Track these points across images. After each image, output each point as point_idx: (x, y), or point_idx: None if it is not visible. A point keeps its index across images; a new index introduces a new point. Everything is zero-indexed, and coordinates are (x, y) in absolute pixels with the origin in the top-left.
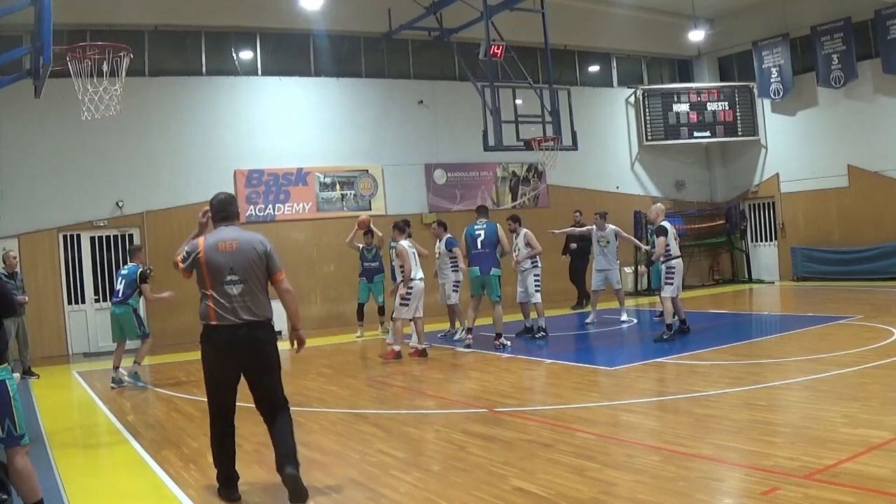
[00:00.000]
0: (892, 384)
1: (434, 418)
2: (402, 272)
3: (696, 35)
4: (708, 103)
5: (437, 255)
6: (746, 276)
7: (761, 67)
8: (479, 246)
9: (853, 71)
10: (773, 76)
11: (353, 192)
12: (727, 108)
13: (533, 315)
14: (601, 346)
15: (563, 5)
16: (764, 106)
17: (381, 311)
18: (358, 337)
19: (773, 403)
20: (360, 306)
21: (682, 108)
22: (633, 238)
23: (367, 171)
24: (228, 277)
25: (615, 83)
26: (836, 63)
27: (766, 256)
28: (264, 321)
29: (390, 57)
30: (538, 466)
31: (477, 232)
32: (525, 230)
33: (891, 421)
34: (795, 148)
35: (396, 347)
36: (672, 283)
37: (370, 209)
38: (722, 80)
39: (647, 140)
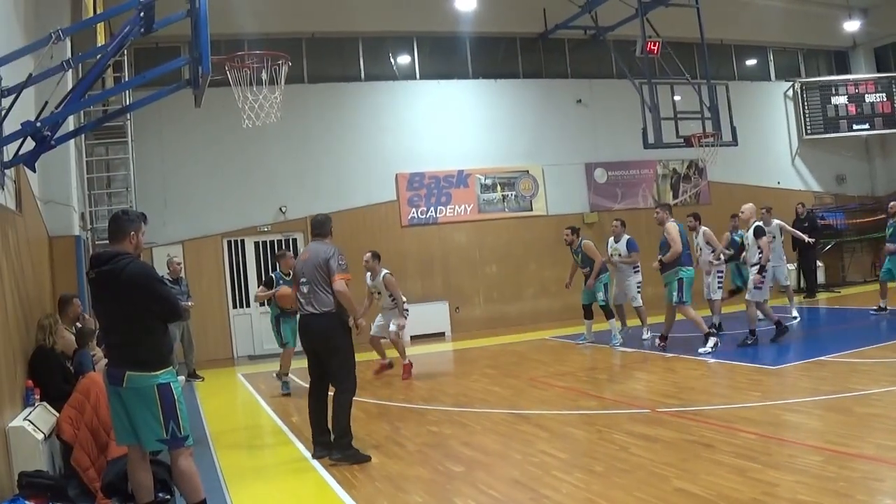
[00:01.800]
0: None
1: (596, 418)
2: (393, 302)
3: (852, 25)
4: (866, 95)
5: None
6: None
7: None
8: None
9: None
10: None
11: (513, 192)
12: (885, 99)
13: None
14: (763, 344)
15: None
16: None
17: None
18: None
19: None
20: None
21: (840, 100)
22: (797, 232)
23: (528, 171)
24: (301, 279)
25: (773, 77)
26: None
27: None
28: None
29: (547, 57)
30: (700, 467)
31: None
32: (704, 228)
33: None
34: None
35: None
36: (761, 288)
37: (531, 209)
38: (879, 71)
39: (806, 134)
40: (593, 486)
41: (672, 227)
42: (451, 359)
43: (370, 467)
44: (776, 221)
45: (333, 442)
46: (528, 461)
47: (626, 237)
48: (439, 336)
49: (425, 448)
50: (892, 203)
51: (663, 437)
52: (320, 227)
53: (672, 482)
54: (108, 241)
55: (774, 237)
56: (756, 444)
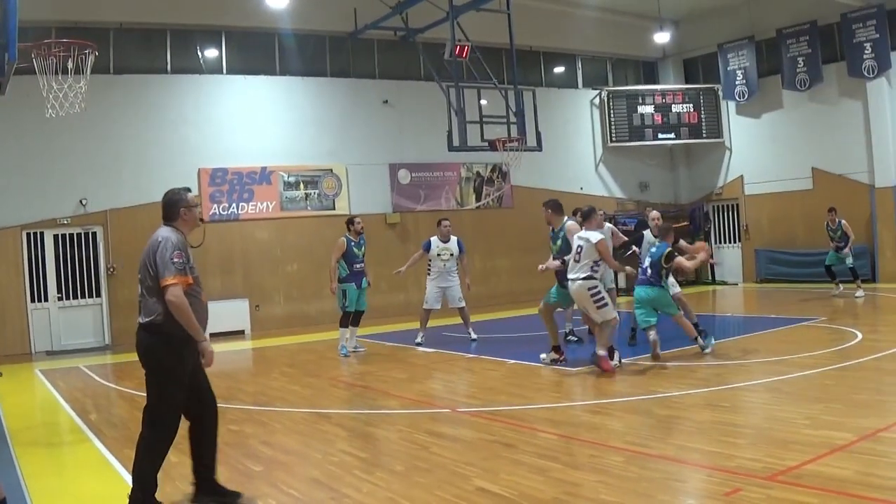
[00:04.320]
0: (855, 386)
1: (397, 418)
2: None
3: (662, 37)
4: (673, 105)
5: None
6: (710, 278)
7: (726, 69)
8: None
9: (818, 74)
10: (738, 78)
11: (317, 191)
12: (692, 109)
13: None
14: (565, 347)
15: (529, 6)
16: (728, 108)
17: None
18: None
19: (737, 405)
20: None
21: (646, 109)
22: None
23: (332, 170)
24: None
25: (580, 84)
26: (802, 66)
27: (729, 258)
28: (146, 324)
29: (355, 56)
30: (501, 467)
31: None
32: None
33: (854, 423)
34: (760, 150)
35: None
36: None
37: (334, 208)
38: (687, 82)
39: (611, 141)
40: (394, 486)
41: (573, 226)
42: (250, 357)
43: (169, 466)
44: (608, 225)
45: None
46: (329, 460)
47: (454, 238)
48: (239, 334)
49: (225, 447)
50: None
51: (464, 437)
52: (165, 207)
53: (473, 481)
54: None
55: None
56: (557, 445)
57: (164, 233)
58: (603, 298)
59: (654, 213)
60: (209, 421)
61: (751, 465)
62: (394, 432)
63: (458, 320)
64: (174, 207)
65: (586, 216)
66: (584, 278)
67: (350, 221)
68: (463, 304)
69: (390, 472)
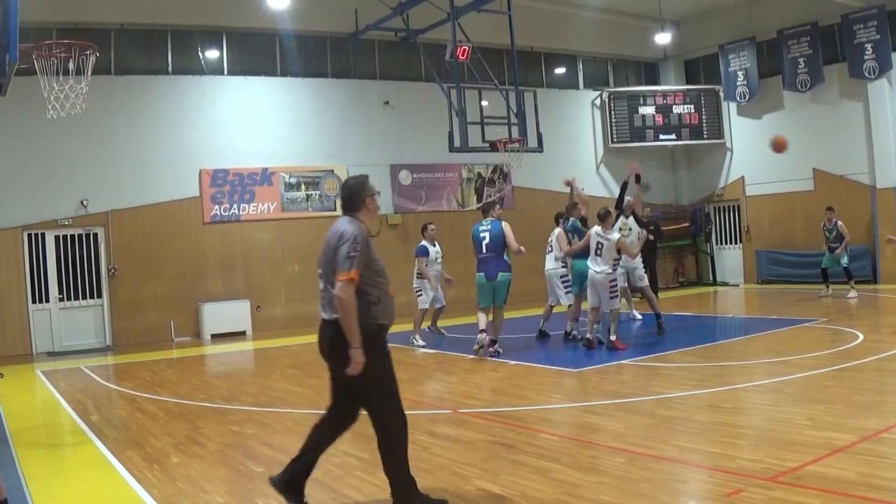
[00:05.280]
0: (856, 387)
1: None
2: None
3: (663, 38)
4: (674, 106)
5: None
6: (711, 279)
7: (727, 70)
8: (485, 249)
9: (819, 75)
10: (739, 79)
11: (318, 192)
12: (693, 110)
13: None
14: (566, 347)
15: (530, 7)
16: (730, 109)
17: None
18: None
19: (738, 406)
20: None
21: (647, 110)
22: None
23: (333, 171)
24: (318, 271)
25: (581, 85)
26: (803, 67)
27: (730, 259)
28: (333, 320)
29: (356, 57)
30: (502, 467)
31: (482, 234)
32: (558, 230)
33: (855, 424)
34: (761, 151)
35: None
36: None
37: (335, 209)
38: (688, 83)
39: (612, 142)
40: None
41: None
42: (252, 358)
43: (171, 467)
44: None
45: (393, 497)
46: (330, 461)
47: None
48: (240, 335)
49: (226, 448)
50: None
51: (465, 438)
52: (349, 196)
53: (474, 482)
54: None
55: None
56: (558, 446)
57: (346, 225)
58: (617, 290)
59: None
60: (340, 427)
61: (752, 466)
62: None
63: (457, 321)
64: (358, 197)
65: (602, 217)
66: (607, 272)
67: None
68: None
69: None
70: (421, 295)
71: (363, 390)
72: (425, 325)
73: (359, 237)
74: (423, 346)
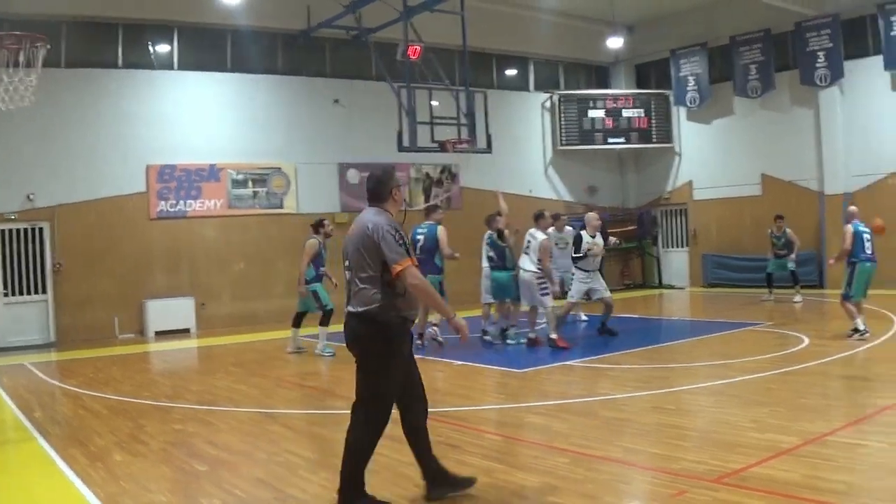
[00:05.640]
0: (800, 390)
1: (343, 418)
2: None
3: (615, 42)
4: (623, 110)
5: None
6: (657, 281)
7: (678, 75)
8: (418, 251)
9: (771, 81)
10: (689, 84)
11: (265, 189)
12: (643, 115)
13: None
14: (511, 348)
15: (483, 8)
16: (679, 114)
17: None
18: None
19: (682, 407)
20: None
21: (597, 113)
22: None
23: (280, 168)
24: (345, 263)
25: (532, 87)
26: (754, 73)
27: (676, 262)
28: (360, 313)
29: (307, 55)
30: (446, 467)
31: (418, 236)
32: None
33: (799, 426)
34: (710, 156)
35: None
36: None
37: (282, 207)
38: (639, 88)
39: (561, 145)
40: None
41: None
42: (196, 356)
43: (114, 465)
44: (568, 229)
45: (339, 494)
46: (274, 461)
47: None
48: (184, 332)
49: (169, 446)
50: None
51: None
52: (375, 186)
53: (418, 482)
54: None
55: (568, 244)
56: (502, 446)
57: (374, 217)
58: (546, 288)
59: (592, 215)
60: (421, 415)
61: (696, 468)
62: (339, 433)
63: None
64: (385, 187)
65: (536, 219)
66: (534, 271)
67: (319, 224)
68: None
69: (336, 472)
70: None
71: (370, 377)
72: None
73: (395, 225)
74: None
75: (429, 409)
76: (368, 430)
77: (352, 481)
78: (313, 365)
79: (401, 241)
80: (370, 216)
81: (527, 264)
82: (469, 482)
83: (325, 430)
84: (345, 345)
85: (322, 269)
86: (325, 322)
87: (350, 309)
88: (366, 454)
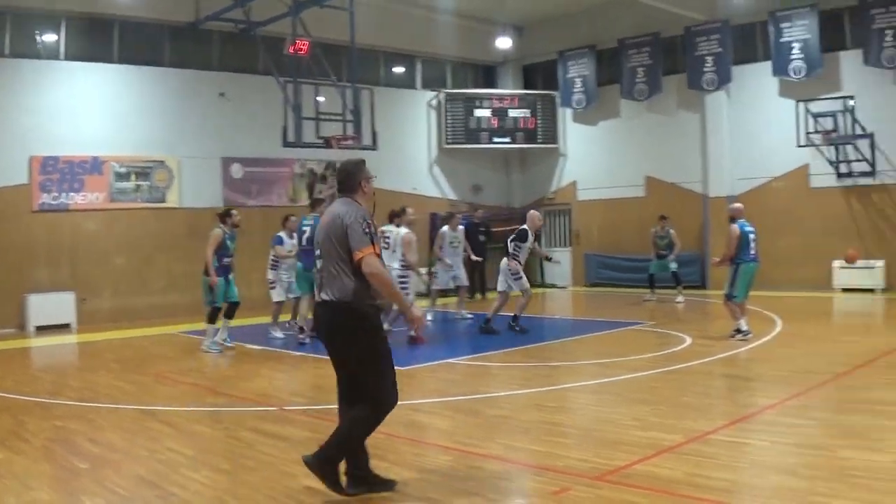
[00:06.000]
0: (682, 389)
1: (223, 416)
2: None
3: (503, 42)
4: (510, 110)
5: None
6: (540, 280)
7: (565, 77)
8: (304, 242)
9: (658, 85)
10: (576, 86)
11: (148, 183)
12: (529, 115)
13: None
14: (394, 344)
15: (372, 5)
16: (566, 115)
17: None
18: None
19: (565, 405)
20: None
21: (483, 113)
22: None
23: (164, 162)
24: (316, 252)
25: (419, 85)
26: (642, 76)
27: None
28: (334, 302)
29: (195, 47)
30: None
31: (304, 227)
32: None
33: (681, 425)
34: (595, 157)
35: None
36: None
37: (165, 201)
38: (526, 88)
39: (446, 143)
40: (221, 484)
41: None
42: (76, 351)
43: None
44: (461, 227)
45: (317, 456)
46: (155, 458)
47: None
48: (64, 327)
49: (51, 443)
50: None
51: (291, 436)
52: (345, 178)
53: (300, 480)
54: None
55: (461, 242)
56: (384, 443)
57: (344, 206)
58: (407, 285)
59: (535, 213)
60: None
61: (579, 465)
62: (220, 430)
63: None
64: (354, 179)
65: (395, 216)
66: (394, 267)
67: (227, 214)
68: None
69: (217, 470)
70: (275, 287)
71: (353, 367)
72: (284, 318)
73: (364, 215)
74: (280, 338)
75: (326, 407)
76: (370, 422)
77: (332, 452)
78: (194, 361)
79: (367, 231)
80: (341, 206)
81: (390, 259)
82: (389, 485)
83: (205, 427)
84: (317, 335)
85: (227, 259)
86: (212, 319)
87: (324, 297)
88: (361, 444)
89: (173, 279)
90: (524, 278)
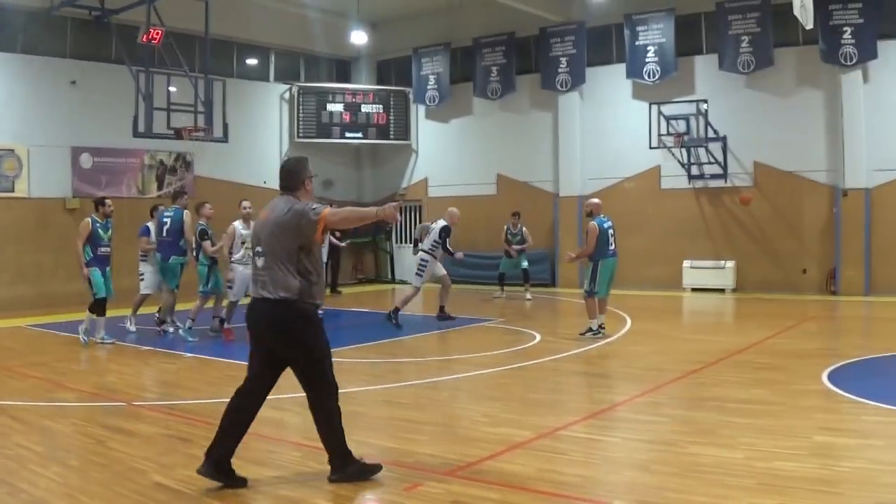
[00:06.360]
0: (532, 385)
1: (72, 411)
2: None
3: (358, 37)
4: (363, 105)
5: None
6: (390, 277)
7: (419, 74)
8: (165, 234)
9: (511, 84)
10: (430, 83)
11: None
12: (381, 110)
13: None
14: (242, 340)
15: None
16: (418, 112)
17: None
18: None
19: (415, 401)
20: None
21: (336, 107)
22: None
23: (13, 150)
24: (258, 249)
25: (272, 78)
26: (495, 75)
27: (410, 258)
28: (277, 300)
29: (47, 34)
30: (178, 461)
31: (164, 219)
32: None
33: (531, 421)
34: (447, 154)
35: None
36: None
37: (13, 191)
38: (380, 84)
39: (298, 137)
40: (71, 481)
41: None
42: None
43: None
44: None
45: (334, 461)
46: (4, 454)
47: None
48: None
49: None
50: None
51: (141, 432)
52: (287, 176)
53: (150, 476)
54: None
55: None
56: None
57: (289, 202)
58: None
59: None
60: (262, 399)
61: (430, 461)
62: (69, 426)
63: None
64: (297, 178)
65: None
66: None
67: (100, 202)
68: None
69: (66, 466)
70: (143, 279)
71: (308, 366)
72: (144, 311)
73: (307, 204)
74: (132, 332)
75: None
76: (332, 402)
77: (340, 448)
78: (42, 355)
79: (315, 206)
80: (284, 202)
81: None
82: (241, 482)
83: (54, 422)
84: (246, 328)
85: (101, 250)
86: (95, 309)
87: (265, 294)
88: (340, 420)
89: (21, 271)
90: (426, 275)
